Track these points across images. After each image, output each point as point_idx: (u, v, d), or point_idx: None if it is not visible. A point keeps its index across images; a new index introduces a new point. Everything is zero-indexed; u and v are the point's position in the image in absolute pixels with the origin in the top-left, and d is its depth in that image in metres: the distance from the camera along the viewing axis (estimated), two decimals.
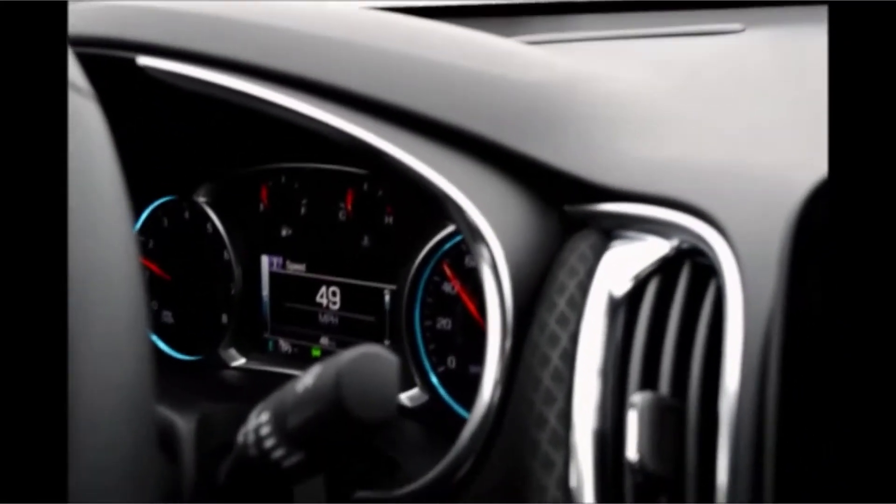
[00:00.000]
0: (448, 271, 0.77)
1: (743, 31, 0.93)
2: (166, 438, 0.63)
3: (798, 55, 0.81)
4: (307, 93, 0.66)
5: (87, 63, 0.49)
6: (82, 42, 0.61)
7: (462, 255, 0.76)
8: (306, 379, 0.49)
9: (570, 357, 0.56)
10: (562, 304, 0.57)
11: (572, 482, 0.53)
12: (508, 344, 0.59)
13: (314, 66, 0.67)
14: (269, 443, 0.51)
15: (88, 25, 0.71)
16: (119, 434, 0.42)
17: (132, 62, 0.69)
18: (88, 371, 0.40)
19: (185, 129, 0.86)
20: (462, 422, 0.72)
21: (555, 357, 0.56)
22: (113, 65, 0.70)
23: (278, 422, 0.50)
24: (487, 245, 0.60)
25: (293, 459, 0.50)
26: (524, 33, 0.99)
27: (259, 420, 0.52)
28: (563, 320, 0.57)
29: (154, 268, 0.95)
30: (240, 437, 0.54)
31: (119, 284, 0.43)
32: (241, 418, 0.55)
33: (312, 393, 0.48)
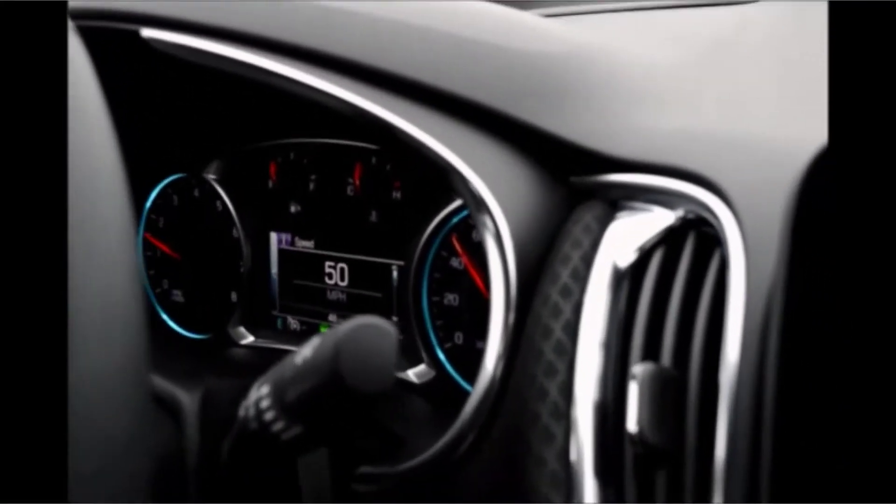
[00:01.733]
0: (456, 245, 0.76)
1: (756, 0, 0.92)
2: (172, 413, 0.63)
3: (812, 26, 0.80)
4: (313, 64, 0.65)
5: (91, 37, 0.49)
6: (84, 15, 0.60)
7: (470, 229, 0.76)
8: (305, 351, 0.49)
9: (572, 329, 0.55)
10: (565, 275, 0.57)
11: (572, 455, 0.52)
12: (512, 317, 0.59)
13: (320, 38, 0.66)
14: (269, 416, 0.51)
15: None
16: (116, 406, 0.42)
17: (136, 35, 0.68)
18: (83, 340, 0.40)
19: (194, 106, 0.85)
20: (468, 397, 0.72)
21: (557, 329, 0.55)
22: (117, 39, 0.69)
23: (278, 394, 0.50)
24: (492, 216, 0.60)
25: (293, 432, 0.50)
26: (541, 6, 0.98)
27: (259, 393, 0.52)
28: (566, 292, 0.56)
29: (164, 247, 0.94)
30: (241, 411, 0.54)
31: (112, 241, 0.42)
32: (245, 393, 0.55)
33: (311, 365, 0.47)
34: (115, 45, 0.70)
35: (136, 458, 0.42)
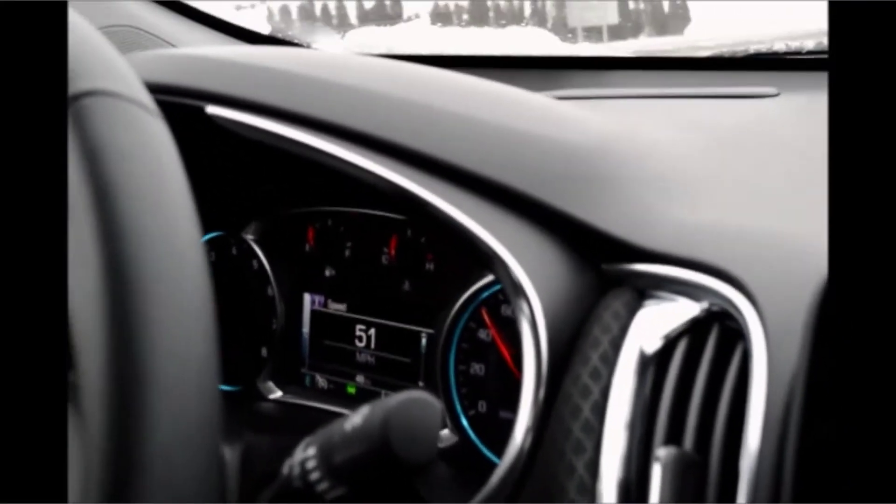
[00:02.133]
0: (486, 319, 0.80)
1: (778, 95, 0.96)
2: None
3: None
4: (362, 146, 0.70)
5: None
6: (153, 89, 0.65)
7: (499, 303, 0.80)
8: (354, 419, 0.52)
9: (600, 410, 0.59)
10: (595, 358, 0.60)
11: None
12: (542, 393, 0.62)
13: (369, 121, 0.71)
14: (314, 476, 0.54)
15: (159, 73, 0.75)
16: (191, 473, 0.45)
17: (200, 110, 0.73)
18: (161, 406, 0.44)
19: (239, 170, 0.89)
20: (489, 465, 0.75)
21: (586, 409, 0.59)
22: (179, 111, 0.74)
23: (324, 457, 0.53)
24: (528, 299, 0.63)
25: (335, 493, 0.53)
26: (556, 88, 1.02)
27: (306, 454, 0.55)
28: (595, 374, 0.60)
29: None
30: (285, 469, 0.57)
31: (192, 298, 0.46)
32: (284, 450, 0.58)
33: (360, 432, 0.51)
34: (173, 116, 0.74)
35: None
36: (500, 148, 0.70)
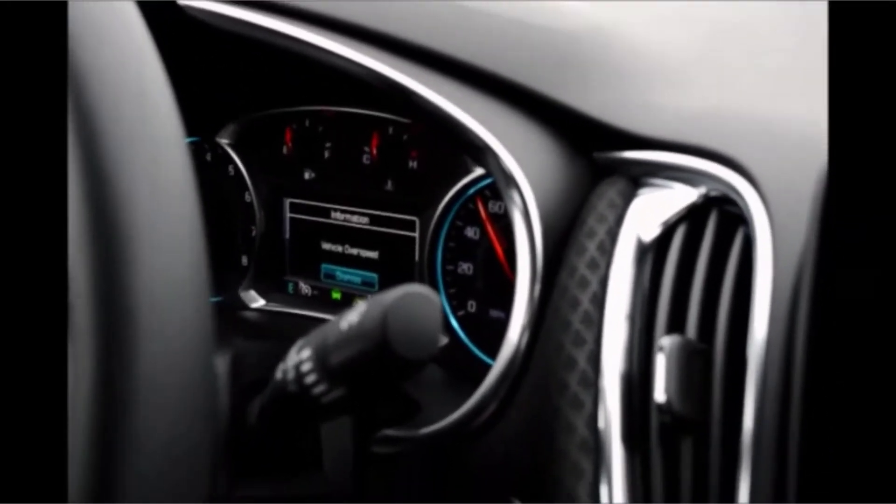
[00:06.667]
0: (481, 212, 0.78)
1: None
2: None
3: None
4: (344, 35, 0.67)
5: None
6: None
7: (486, 200, 0.77)
8: (351, 317, 0.50)
9: (599, 301, 0.57)
10: (592, 248, 0.59)
11: (600, 422, 0.55)
12: (538, 289, 0.61)
13: (352, 10, 0.68)
14: (310, 378, 0.52)
15: None
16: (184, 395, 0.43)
17: (172, 2, 0.70)
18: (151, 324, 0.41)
19: (210, 70, 0.86)
20: (482, 365, 0.74)
21: (585, 300, 0.57)
22: (148, 4, 0.70)
23: (320, 358, 0.51)
24: (520, 190, 0.61)
25: (333, 395, 0.52)
26: None
27: (300, 356, 0.53)
28: (593, 264, 0.58)
29: None
30: (278, 374, 0.55)
31: (175, 185, 0.43)
32: (273, 356, 0.57)
33: (357, 330, 0.48)
34: (144, 11, 0.71)
35: (202, 455, 0.43)
36: (489, 36, 0.67)
